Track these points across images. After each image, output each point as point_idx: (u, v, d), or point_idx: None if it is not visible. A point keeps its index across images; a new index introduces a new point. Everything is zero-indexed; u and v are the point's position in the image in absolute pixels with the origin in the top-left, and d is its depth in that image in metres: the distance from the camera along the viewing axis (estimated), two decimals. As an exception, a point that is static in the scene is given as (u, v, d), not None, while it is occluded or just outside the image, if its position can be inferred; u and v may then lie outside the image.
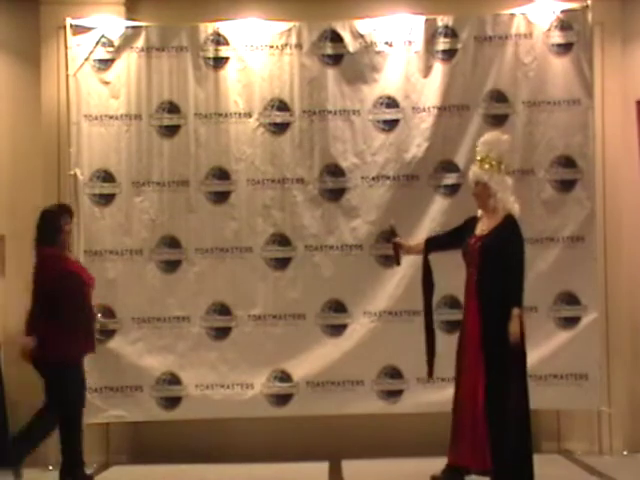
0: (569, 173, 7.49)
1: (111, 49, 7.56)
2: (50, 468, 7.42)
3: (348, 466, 7.21)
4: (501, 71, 7.55)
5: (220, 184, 7.55)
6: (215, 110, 7.57)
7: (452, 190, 7.42)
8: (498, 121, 7.51)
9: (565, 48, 7.53)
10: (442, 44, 7.54)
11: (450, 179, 7.45)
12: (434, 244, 6.50)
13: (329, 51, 7.58)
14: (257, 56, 7.59)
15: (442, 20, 7.55)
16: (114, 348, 7.41)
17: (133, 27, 7.62)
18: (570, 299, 7.42)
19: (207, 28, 7.60)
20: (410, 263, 6.99)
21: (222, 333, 7.46)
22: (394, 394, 7.41)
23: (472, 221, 6.30)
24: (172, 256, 7.49)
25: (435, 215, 7.42)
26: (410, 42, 7.56)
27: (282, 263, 7.51)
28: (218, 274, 7.50)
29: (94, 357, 7.36)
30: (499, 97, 7.53)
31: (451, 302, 7.21)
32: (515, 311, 5.90)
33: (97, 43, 7.55)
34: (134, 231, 7.49)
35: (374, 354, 7.36)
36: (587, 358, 7.34)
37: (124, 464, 7.47)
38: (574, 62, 7.51)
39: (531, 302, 7.31)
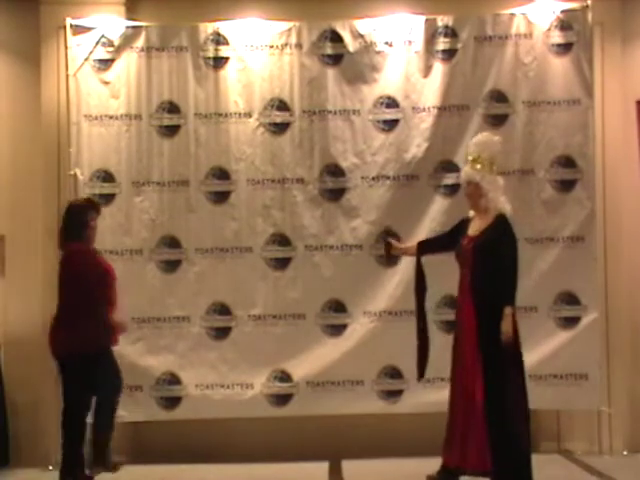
0: (569, 173, 7.49)
1: (111, 49, 7.57)
2: (50, 468, 7.42)
3: (348, 466, 7.21)
4: (501, 71, 7.55)
5: (220, 184, 7.55)
6: (215, 110, 7.57)
7: (452, 190, 7.42)
8: (498, 121, 7.52)
9: (565, 48, 7.53)
10: (442, 44, 7.54)
11: (450, 179, 7.44)
12: (427, 247, 6.50)
13: (329, 51, 7.58)
14: (257, 56, 7.59)
15: (442, 20, 7.56)
16: (114, 348, 7.39)
17: (133, 27, 7.62)
18: (570, 299, 7.43)
19: (207, 28, 7.60)
20: (410, 263, 6.98)
21: (222, 333, 7.46)
22: (394, 394, 7.41)
23: (464, 222, 6.31)
24: (172, 256, 7.49)
25: (435, 215, 7.42)
26: (410, 42, 7.56)
27: (282, 263, 7.51)
28: (218, 274, 7.50)
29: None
30: (499, 97, 7.53)
31: (451, 302, 7.18)
32: (507, 310, 5.90)
33: (97, 43, 7.55)
34: (134, 231, 7.49)
35: (374, 354, 7.37)
36: (587, 358, 7.34)
37: (124, 464, 7.46)
38: (574, 62, 7.51)
39: (531, 302, 7.36)
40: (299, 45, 7.59)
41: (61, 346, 6.41)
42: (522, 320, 7.24)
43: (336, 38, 7.58)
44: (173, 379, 7.40)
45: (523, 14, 7.59)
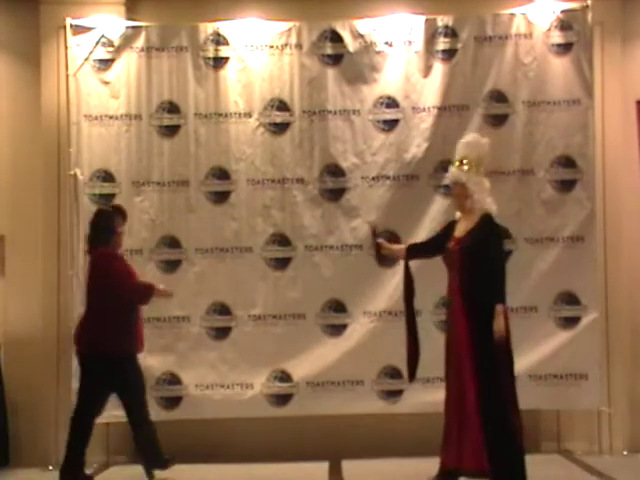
0: (569, 173, 7.49)
1: (111, 49, 7.57)
2: (50, 468, 7.42)
3: (348, 466, 7.20)
4: (501, 71, 7.55)
5: (220, 184, 7.55)
6: (215, 110, 7.57)
7: (452, 190, 7.42)
8: (498, 121, 7.52)
9: (565, 48, 7.53)
10: (442, 44, 7.54)
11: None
12: (415, 251, 6.51)
13: (329, 51, 7.58)
14: (257, 56, 7.59)
15: (442, 20, 7.56)
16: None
17: (133, 27, 7.62)
18: (570, 299, 7.43)
19: (207, 28, 7.60)
20: (410, 263, 6.97)
21: (222, 333, 7.46)
22: (394, 394, 7.41)
23: (451, 225, 6.33)
24: (172, 256, 7.49)
25: (435, 215, 7.42)
26: (410, 42, 7.57)
27: (282, 263, 7.51)
28: (218, 274, 7.50)
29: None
30: (499, 97, 7.53)
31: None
32: (498, 308, 5.91)
33: (97, 43, 7.55)
34: (134, 231, 7.48)
35: (374, 354, 7.36)
36: (587, 358, 7.34)
37: (124, 464, 7.47)
38: (574, 62, 7.52)
39: (531, 302, 7.37)
40: (299, 45, 7.59)
41: (85, 347, 6.46)
42: (522, 320, 7.32)
43: (336, 38, 7.58)
44: (173, 379, 7.40)
45: (523, 14, 7.59)
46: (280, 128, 7.58)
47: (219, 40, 7.59)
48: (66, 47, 7.53)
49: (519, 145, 7.51)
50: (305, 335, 7.45)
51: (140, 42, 7.58)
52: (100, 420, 7.37)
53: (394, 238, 7.40)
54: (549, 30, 7.55)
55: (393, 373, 7.40)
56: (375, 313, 7.42)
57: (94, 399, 6.50)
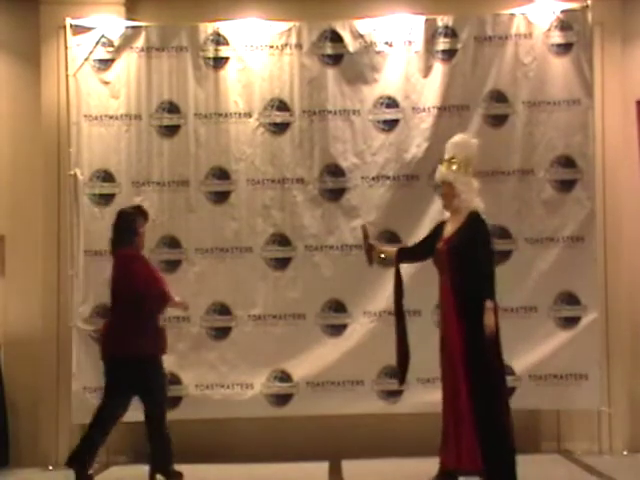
0: (569, 173, 7.49)
1: (111, 49, 7.57)
2: (50, 468, 7.42)
3: (348, 466, 7.20)
4: (501, 71, 7.55)
5: (220, 184, 7.55)
6: (215, 110, 7.57)
7: (452, 190, 7.41)
8: (498, 121, 7.52)
9: (565, 48, 7.53)
10: (442, 44, 7.54)
11: (450, 179, 7.44)
12: (406, 254, 6.53)
13: (329, 51, 7.58)
14: (257, 56, 7.59)
15: (442, 20, 7.56)
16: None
17: (133, 27, 7.62)
18: (570, 299, 7.43)
19: (207, 28, 7.60)
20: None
21: (222, 333, 7.46)
22: (394, 394, 7.41)
23: (440, 227, 6.34)
24: (172, 256, 7.49)
25: (435, 215, 7.40)
26: (410, 42, 7.57)
27: (282, 263, 7.51)
28: (218, 274, 7.50)
29: (94, 357, 7.37)
30: (499, 97, 7.54)
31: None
32: (488, 304, 5.90)
33: (97, 43, 7.55)
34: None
35: (374, 354, 7.36)
36: (587, 358, 7.34)
37: (124, 464, 7.47)
38: (574, 62, 7.52)
39: (531, 302, 7.38)
40: (299, 45, 7.59)
41: (108, 349, 6.49)
42: (522, 320, 7.33)
43: (336, 38, 7.58)
44: (173, 379, 7.39)
45: (523, 14, 7.59)
46: (280, 128, 7.58)
47: (219, 40, 7.59)
48: (66, 47, 7.54)
49: (519, 145, 7.51)
50: (305, 335, 7.45)
51: (140, 42, 7.58)
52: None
53: (394, 238, 7.42)
54: (549, 30, 7.55)
55: (393, 373, 7.35)
56: (375, 313, 7.42)
57: (117, 400, 6.50)
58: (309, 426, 7.49)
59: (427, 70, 7.56)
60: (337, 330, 7.49)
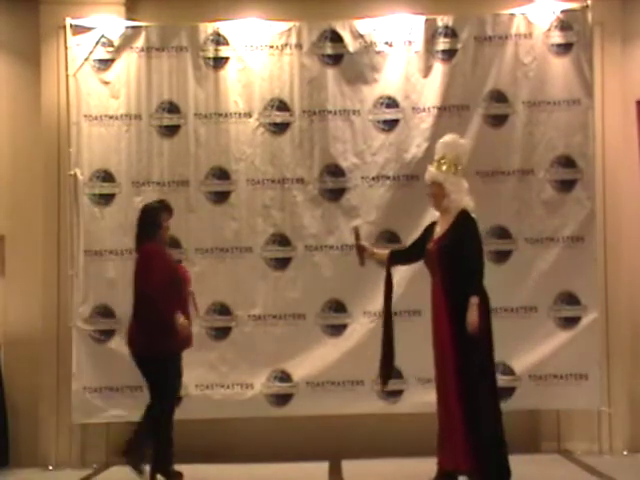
0: (569, 173, 7.49)
1: (111, 49, 7.57)
2: (50, 468, 7.42)
3: (348, 466, 7.20)
4: (501, 71, 7.55)
5: (220, 184, 7.55)
6: (215, 110, 7.57)
7: (452, 190, 7.41)
8: (498, 121, 7.52)
9: (565, 48, 7.53)
10: (442, 44, 7.54)
11: (450, 179, 7.44)
12: (397, 257, 6.54)
13: (329, 51, 7.59)
14: (257, 56, 7.59)
15: (442, 20, 7.56)
16: (114, 348, 7.41)
17: (133, 27, 7.62)
18: (570, 299, 7.43)
19: (207, 28, 7.60)
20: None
21: (222, 333, 7.46)
22: (394, 394, 7.40)
23: (430, 228, 6.34)
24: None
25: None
26: (410, 42, 7.57)
27: (282, 263, 7.51)
28: (218, 274, 7.49)
29: (94, 357, 7.39)
30: (499, 97, 7.54)
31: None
32: (473, 299, 5.90)
33: (97, 43, 7.55)
34: (134, 231, 7.48)
35: (374, 354, 7.30)
36: (587, 358, 7.34)
37: (124, 464, 7.46)
38: (574, 62, 7.52)
39: (531, 302, 7.38)
40: (299, 45, 7.59)
41: (132, 345, 6.52)
42: (522, 320, 7.33)
43: (336, 38, 7.58)
44: (173, 379, 7.39)
45: (523, 14, 7.59)
46: (280, 128, 7.58)
47: (219, 40, 7.59)
48: (66, 47, 7.54)
49: (519, 145, 7.51)
50: (305, 335, 7.45)
51: (140, 42, 7.58)
52: (100, 420, 7.41)
53: (394, 238, 7.43)
54: (549, 30, 7.55)
55: (393, 373, 7.39)
56: (375, 313, 7.41)
57: (174, 393, 6.53)
58: (309, 426, 7.49)
59: (427, 70, 7.56)
60: (337, 330, 7.49)
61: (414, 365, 7.02)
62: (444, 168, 6.19)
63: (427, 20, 7.57)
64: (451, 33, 7.54)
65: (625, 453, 7.56)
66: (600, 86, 7.63)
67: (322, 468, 7.14)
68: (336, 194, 7.55)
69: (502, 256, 7.45)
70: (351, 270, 7.42)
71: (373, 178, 7.53)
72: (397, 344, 7.03)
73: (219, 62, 7.60)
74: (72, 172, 7.49)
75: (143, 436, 6.47)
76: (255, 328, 7.45)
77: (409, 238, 7.16)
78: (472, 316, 5.89)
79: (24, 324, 7.64)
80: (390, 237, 7.46)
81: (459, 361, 5.94)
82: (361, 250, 6.55)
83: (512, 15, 7.59)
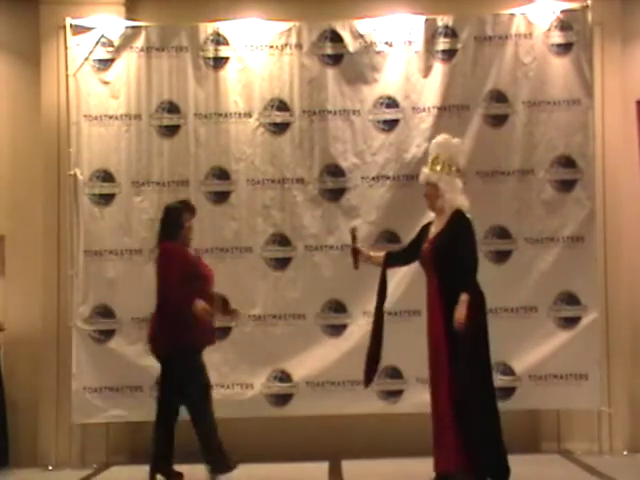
0: (569, 173, 7.49)
1: (111, 49, 7.57)
2: (50, 468, 7.42)
3: (348, 466, 7.20)
4: (501, 71, 7.55)
5: (220, 184, 7.55)
6: (215, 110, 7.57)
7: (452, 190, 7.41)
8: (498, 121, 7.52)
9: (565, 48, 7.53)
10: (442, 44, 7.54)
11: (450, 179, 7.43)
12: (393, 259, 6.53)
13: (329, 51, 7.58)
14: (257, 56, 7.59)
15: (442, 20, 7.56)
16: (114, 348, 7.41)
17: (133, 27, 7.62)
18: (570, 299, 7.42)
19: (207, 28, 7.60)
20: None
21: (222, 333, 7.43)
22: (394, 394, 7.41)
23: (425, 228, 6.34)
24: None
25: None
26: (410, 42, 7.57)
27: (282, 263, 7.51)
28: (218, 274, 7.43)
29: (94, 357, 7.38)
30: (499, 97, 7.53)
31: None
32: (463, 296, 5.88)
33: (97, 43, 7.55)
34: (134, 231, 7.49)
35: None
36: (587, 358, 7.34)
37: (124, 464, 7.47)
38: (574, 62, 7.52)
39: (531, 302, 7.38)
40: (299, 45, 7.59)
41: (153, 344, 6.52)
42: (522, 320, 7.32)
43: (336, 38, 7.58)
44: (173, 379, 7.39)
45: (523, 14, 7.59)
46: (280, 128, 7.58)
47: (219, 40, 7.59)
48: (66, 47, 7.54)
49: (519, 145, 7.51)
50: (305, 335, 7.45)
51: (140, 42, 7.58)
52: (100, 420, 7.41)
53: (394, 238, 7.43)
54: (549, 30, 7.55)
55: (393, 373, 7.40)
56: (375, 313, 7.42)
57: (204, 389, 6.51)
58: (309, 426, 7.49)
59: (427, 70, 7.56)
60: (337, 330, 7.49)
61: (414, 365, 7.01)
62: (438, 168, 6.20)
63: (427, 20, 7.57)
64: (451, 33, 7.54)
65: (625, 453, 7.56)
66: (600, 86, 7.63)
67: (322, 468, 7.13)
68: (336, 194, 7.55)
69: (502, 256, 7.46)
70: (351, 270, 7.36)
71: (373, 178, 7.53)
72: (396, 344, 7.06)
73: (219, 62, 7.59)
74: (72, 172, 7.49)
75: (207, 441, 6.45)
76: (255, 328, 7.44)
77: (409, 238, 7.13)
78: (459, 312, 5.87)
79: (24, 324, 7.64)
80: (390, 237, 7.46)
81: (453, 360, 5.93)
82: (356, 253, 6.54)
83: (512, 15, 7.59)
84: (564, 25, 7.54)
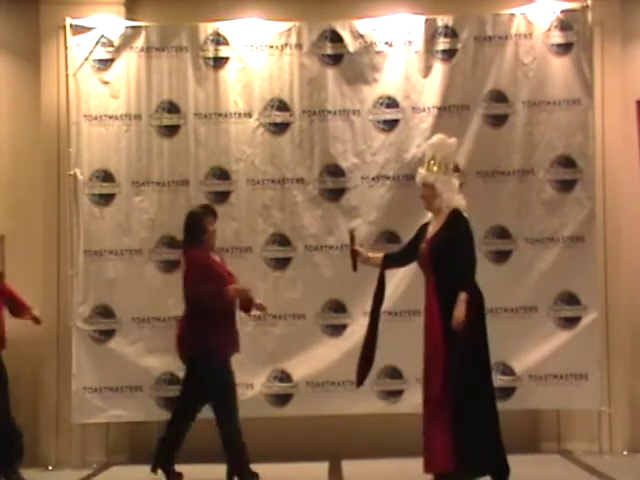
0: (569, 173, 7.49)
1: (111, 49, 7.57)
2: (50, 468, 7.42)
3: (348, 466, 7.20)
4: (501, 71, 7.55)
5: (220, 184, 7.55)
6: (215, 110, 7.57)
7: (452, 190, 7.41)
8: (498, 121, 7.52)
9: (565, 48, 7.53)
10: (442, 44, 7.54)
11: (450, 179, 7.44)
12: (391, 260, 6.52)
13: (329, 51, 7.59)
14: (257, 56, 7.59)
15: (442, 20, 7.56)
16: (114, 348, 7.41)
17: (133, 27, 7.62)
18: (570, 299, 7.42)
19: (207, 28, 7.60)
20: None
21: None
22: (394, 394, 7.41)
23: (423, 228, 6.33)
24: (171, 256, 7.48)
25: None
26: (410, 42, 7.57)
27: (282, 263, 7.51)
28: (218, 274, 7.48)
29: (94, 357, 7.38)
30: (499, 97, 7.53)
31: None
32: (462, 295, 5.87)
33: (97, 43, 7.55)
34: (134, 231, 7.50)
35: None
36: (587, 358, 7.34)
37: (124, 464, 7.47)
38: (574, 62, 7.52)
39: (531, 302, 7.38)
40: (299, 45, 7.59)
41: (180, 346, 6.52)
42: (522, 320, 7.32)
43: (336, 38, 7.58)
44: (173, 379, 7.39)
45: (523, 14, 7.59)
46: (280, 128, 7.58)
47: (219, 40, 7.59)
48: (66, 47, 7.54)
49: (519, 145, 7.51)
50: (305, 335, 7.45)
51: (140, 42, 7.58)
52: (100, 420, 7.41)
53: (394, 238, 7.43)
54: (549, 30, 7.55)
55: (393, 373, 7.40)
56: (375, 313, 7.42)
57: (231, 394, 6.51)
58: (309, 426, 7.50)
59: (427, 70, 7.56)
60: (337, 330, 7.49)
61: (414, 365, 6.96)
62: (435, 169, 6.19)
63: (427, 20, 7.57)
64: (451, 33, 7.54)
65: (625, 453, 7.56)
66: (600, 86, 7.63)
67: (322, 468, 7.14)
68: (336, 194, 7.55)
69: (502, 256, 7.46)
70: (351, 270, 7.43)
71: (373, 178, 7.53)
72: (396, 344, 7.07)
73: (219, 62, 7.60)
74: (72, 172, 7.49)
75: (230, 443, 6.45)
76: (255, 328, 7.44)
77: (409, 238, 7.14)
78: (458, 311, 5.86)
79: (24, 324, 7.62)
80: (390, 237, 7.46)
81: (450, 361, 5.91)
82: (355, 255, 6.53)
83: (512, 15, 7.59)
84: (564, 25, 7.54)
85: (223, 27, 7.61)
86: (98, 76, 7.56)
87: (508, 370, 7.36)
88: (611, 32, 7.70)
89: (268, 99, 7.59)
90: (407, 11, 7.64)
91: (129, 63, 7.59)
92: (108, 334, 7.43)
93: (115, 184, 7.54)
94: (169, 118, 7.58)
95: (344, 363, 7.35)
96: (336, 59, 7.59)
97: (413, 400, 7.31)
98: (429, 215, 6.43)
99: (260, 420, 7.42)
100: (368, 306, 7.35)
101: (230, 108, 7.58)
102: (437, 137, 6.39)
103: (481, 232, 7.19)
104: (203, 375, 6.39)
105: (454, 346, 5.89)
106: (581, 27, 7.51)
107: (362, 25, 7.58)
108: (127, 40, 7.58)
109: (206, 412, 7.32)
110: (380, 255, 6.56)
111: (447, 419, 5.87)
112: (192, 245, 6.48)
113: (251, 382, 7.40)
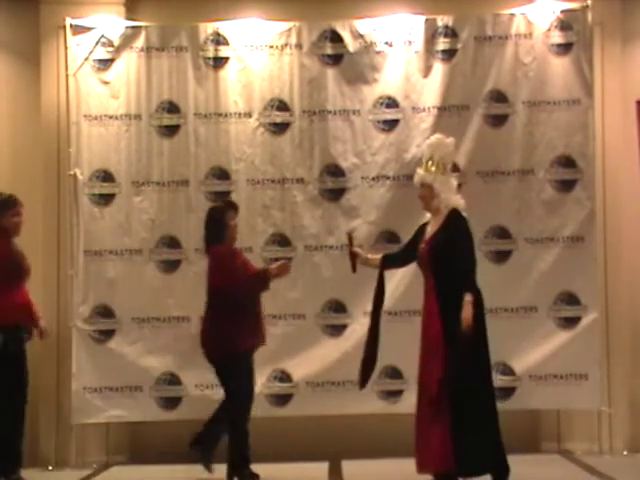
0: (569, 173, 7.49)
1: (111, 49, 7.57)
2: (50, 468, 7.42)
3: (348, 466, 7.20)
4: (501, 71, 7.55)
5: (220, 184, 7.56)
6: (215, 110, 7.57)
7: (452, 190, 7.41)
8: (498, 121, 7.52)
9: (565, 48, 7.53)
10: (442, 44, 7.54)
11: (450, 179, 7.44)
12: (390, 261, 6.51)
13: (329, 51, 7.59)
14: (257, 56, 7.59)
15: (442, 20, 7.56)
16: (114, 348, 7.41)
17: (133, 27, 7.62)
18: (570, 299, 7.42)
19: (207, 28, 7.61)
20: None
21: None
22: (394, 394, 7.42)
23: (422, 229, 6.32)
24: (172, 256, 7.49)
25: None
26: (410, 42, 7.57)
27: (282, 263, 7.51)
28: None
29: (94, 357, 7.39)
30: (499, 97, 7.54)
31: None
32: (467, 297, 5.85)
33: (97, 43, 7.55)
34: (134, 231, 7.50)
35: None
36: (587, 358, 7.34)
37: (124, 464, 7.47)
38: (574, 62, 7.52)
39: (531, 302, 7.38)
40: (299, 45, 7.59)
41: (204, 346, 6.56)
42: (522, 320, 7.32)
43: (336, 38, 7.58)
44: (173, 379, 7.40)
45: (523, 14, 7.59)
46: (280, 128, 7.58)
47: (219, 40, 7.59)
48: (66, 47, 7.54)
49: (519, 145, 7.51)
50: (305, 335, 7.45)
51: (140, 42, 7.58)
52: (100, 420, 7.41)
53: (394, 238, 7.43)
54: (549, 30, 7.55)
55: (393, 373, 7.41)
56: (375, 313, 7.41)
57: (244, 396, 6.53)
58: (309, 426, 7.49)
59: (427, 70, 7.56)
60: (337, 330, 7.49)
61: (414, 365, 6.95)
62: (433, 169, 6.18)
63: (427, 20, 7.57)
64: (451, 33, 7.54)
65: (625, 453, 7.56)
66: (600, 86, 7.63)
67: (322, 468, 7.14)
68: (336, 194, 7.55)
69: (502, 256, 7.46)
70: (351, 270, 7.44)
71: (373, 178, 7.54)
72: (396, 344, 7.06)
73: (219, 62, 7.60)
74: (72, 172, 7.49)
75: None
76: (255, 328, 7.44)
77: (409, 238, 7.16)
78: (466, 313, 5.84)
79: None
80: (390, 237, 7.46)
81: (450, 361, 5.91)
82: (354, 256, 6.53)
83: (512, 15, 7.59)
84: (564, 25, 7.54)
85: (223, 27, 7.61)
86: (98, 76, 7.56)
87: (508, 370, 7.36)
88: (611, 32, 7.70)
89: (268, 99, 7.59)
90: (407, 11, 7.64)
91: (129, 63, 7.59)
92: (108, 334, 7.43)
93: (115, 184, 7.54)
94: (169, 118, 7.59)
95: (344, 363, 7.36)
96: (336, 59, 7.59)
97: (413, 400, 7.23)
98: (428, 215, 6.44)
99: (260, 420, 7.42)
100: (368, 306, 7.36)
101: (230, 108, 7.58)
102: (435, 137, 6.38)
103: (481, 232, 7.20)
104: (223, 376, 6.44)
105: (454, 346, 5.88)
106: (581, 27, 7.51)
107: (362, 25, 7.59)
108: (127, 40, 7.58)
109: (206, 413, 7.35)
110: (379, 256, 6.56)
111: (446, 419, 5.86)
112: (215, 241, 6.51)
113: (251, 382, 7.40)
